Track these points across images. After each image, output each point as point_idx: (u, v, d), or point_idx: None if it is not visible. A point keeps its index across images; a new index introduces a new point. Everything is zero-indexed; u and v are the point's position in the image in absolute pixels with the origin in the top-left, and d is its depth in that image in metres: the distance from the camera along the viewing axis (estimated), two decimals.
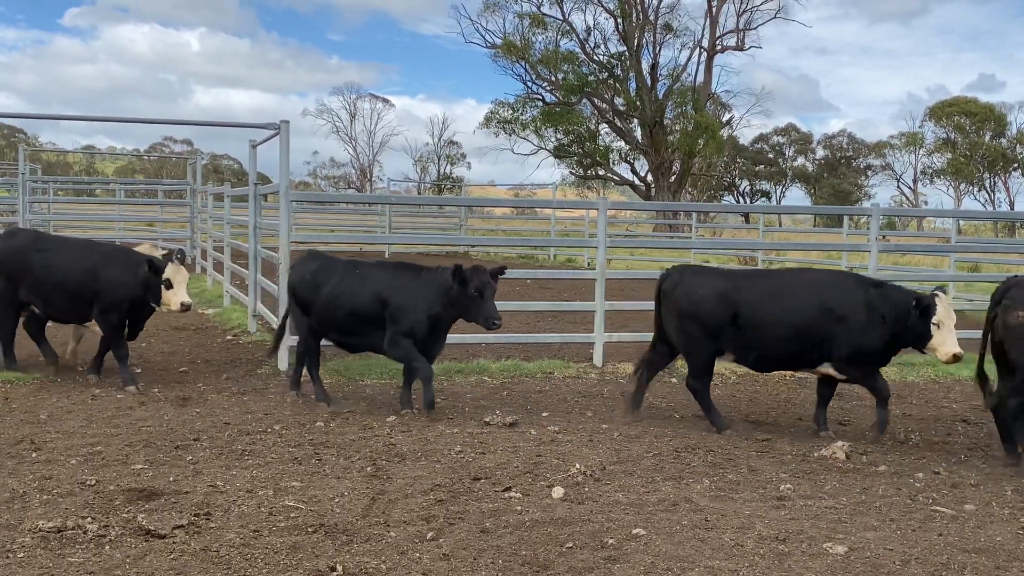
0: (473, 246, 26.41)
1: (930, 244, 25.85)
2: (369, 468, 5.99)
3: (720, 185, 63.75)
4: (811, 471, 6.33)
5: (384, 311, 7.55)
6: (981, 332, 7.06)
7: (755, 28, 46.17)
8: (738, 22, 45.60)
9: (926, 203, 62.03)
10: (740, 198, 66.13)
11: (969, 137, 57.64)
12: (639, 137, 45.41)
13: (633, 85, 45.01)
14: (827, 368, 7.30)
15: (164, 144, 75.51)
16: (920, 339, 7.04)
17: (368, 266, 8.06)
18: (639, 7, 44.46)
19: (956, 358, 6.96)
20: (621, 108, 45.71)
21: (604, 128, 46.97)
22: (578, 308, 11.57)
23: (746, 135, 60.25)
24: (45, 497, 5.24)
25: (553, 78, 45.46)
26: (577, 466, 6.02)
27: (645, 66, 44.86)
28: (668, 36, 45.38)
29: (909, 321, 7.00)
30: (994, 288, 7.10)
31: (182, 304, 8.14)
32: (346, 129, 71.69)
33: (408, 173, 69.30)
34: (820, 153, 67.33)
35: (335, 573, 4.28)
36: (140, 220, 27.22)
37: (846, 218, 23.96)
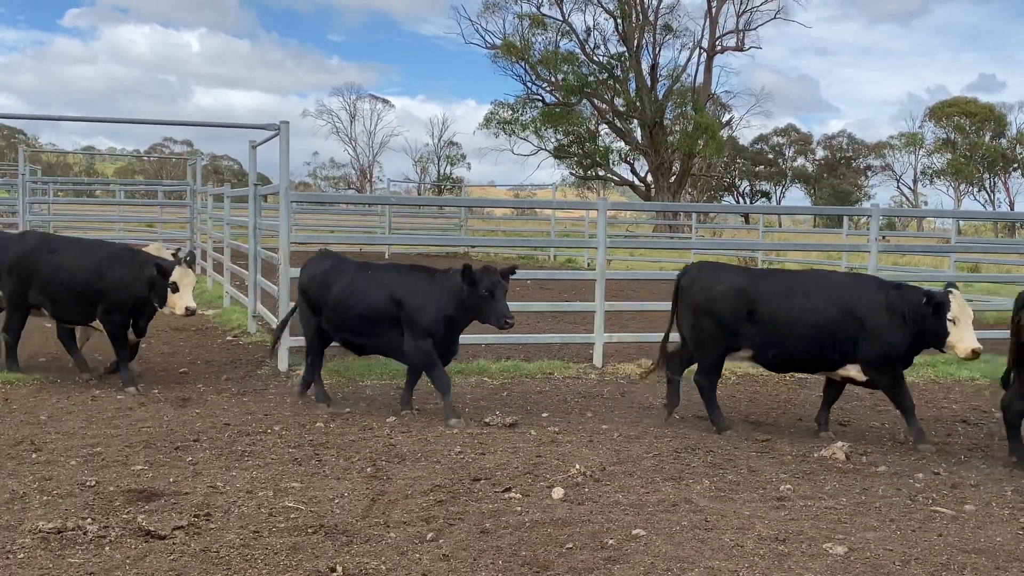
0: (473, 247, 26.41)
1: (930, 244, 25.88)
2: (369, 469, 5.99)
3: (720, 185, 63.78)
4: (811, 471, 6.33)
5: (399, 312, 7.46)
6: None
7: (755, 28, 46.30)
8: (738, 23, 45.70)
9: (926, 203, 62.06)
10: (740, 198, 66.13)
11: (969, 137, 57.66)
12: (639, 138, 45.44)
13: (633, 86, 45.07)
14: (850, 370, 7.21)
15: (164, 145, 75.60)
16: (938, 337, 6.96)
17: (381, 267, 7.98)
18: (639, 8, 44.50)
19: (975, 354, 6.87)
20: (621, 109, 45.74)
21: (604, 129, 47.05)
22: (578, 309, 11.57)
23: (746, 136, 60.34)
24: (45, 498, 5.24)
25: (553, 79, 45.49)
26: (577, 467, 6.02)
27: (645, 67, 44.92)
28: (668, 37, 45.49)
29: (925, 320, 6.93)
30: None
31: (187, 308, 8.07)
32: (346, 130, 71.78)
33: (408, 174, 69.39)
34: (820, 153, 67.39)
35: (335, 574, 4.28)
36: (140, 221, 27.22)
37: (846, 218, 23.98)
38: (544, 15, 45.18)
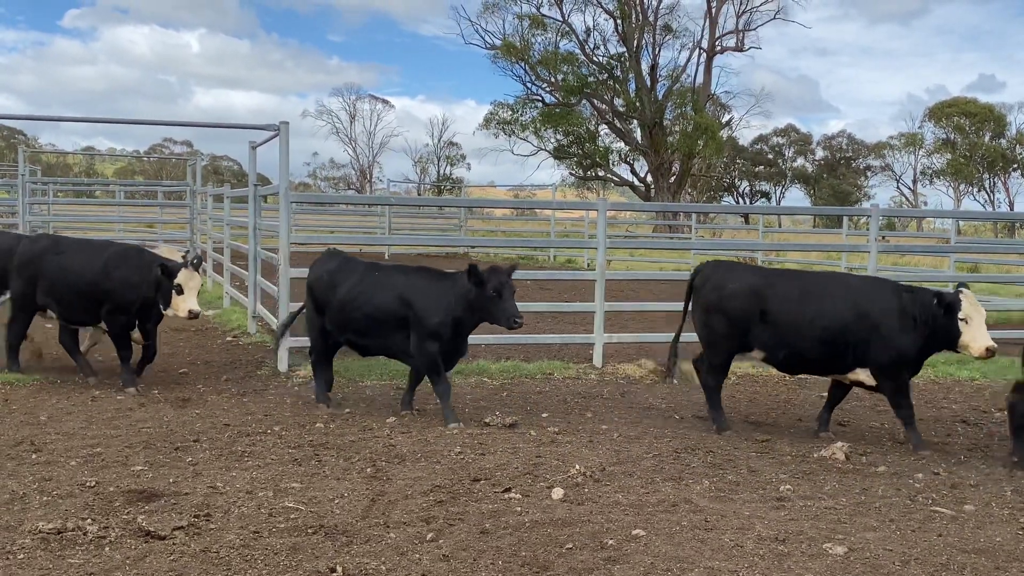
0: (473, 247, 26.41)
1: (930, 245, 25.90)
2: (369, 469, 5.99)
3: (720, 186, 63.77)
4: (811, 472, 6.33)
5: (406, 314, 7.41)
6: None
7: (754, 29, 46.27)
8: (737, 23, 45.69)
9: (925, 204, 62.08)
10: (740, 199, 66.13)
11: (969, 138, 57.67)
12: (639, 138, 45.45)
13: (633, 86, 45.07)
14: (860, 375, 7.17)
15: (164, 145, 75.65)
16: (951, 338, 6.90)
17: (389, 268, 7.93)
18: (638, 8, 44.51)
19: (990, 352, 6.80)
20: (621, 109, 45.74)
21: (604, 129, 47.06)
22: (578, 309, 11.58)
23: (746, 136, 60.33)
24: (45, 498, 5.24)
25: (553, 79, 45.49)
26: (577, 467, 6.02)
27: (645, 67, 44.92)
28: (667, 37, 45.49)
29: (937, 321, 6.88)
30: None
31: (190, 312, 8.01)
32: (346, 130, 71.80)
33: (408, 174, 69.44)
34: (820, 154, 67.38)
35: (335, 574, 4.28)
36: (140, 221, 27.23)
37: (845, 219, 23.98)
38: (544, 15, 45.23)
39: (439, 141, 71.13)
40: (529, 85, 46.32)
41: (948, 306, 6.84)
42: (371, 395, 8.48)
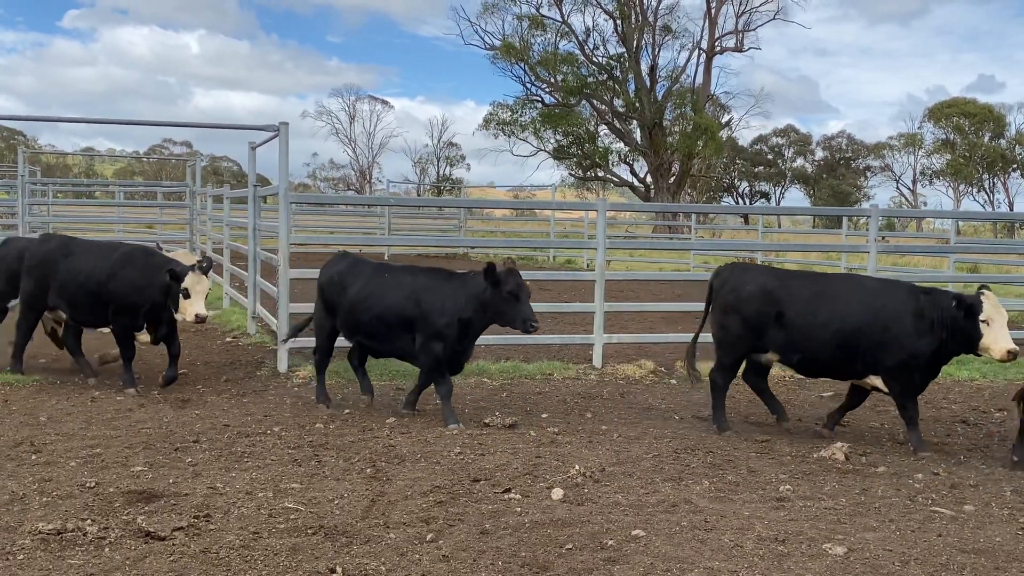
0: (472, 247, 26.42)
1: (929, 245, 25.89)
2: (369, 470, 5.99)
3: (719, 186, 63.77)
4: (810, 472, 6.33)
5: (414, 313, 7.36)
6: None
7: (754, 29, 46.26)
8: (737, 23, 45.67)
9: (925, 204, 62.12)
10: (739, 199, 66.15)
11: (968, 138, 57.69)
12: (638, 138, 45.45)
13: (632, 86, 45.07)
14: (875, 380, 7.11)
15: (163, 146, 75.70)
16: (971, 341, 6.80)
17: (398, 268, 7.88)
18: (638, 9, 44.51)
19: (1012, 354, 6.68)
20: (620, 109, 45.75)
21: (603, 129, 47.04)
22: (577, 309, 11.57)
23: (745, 136, 60.35)
24: (45, 499, 5.24)
25: (552, 80, 45.48)
26: (576, 467, 6.02)
27: (644, 67, 44.92)
28: (667, 37, 45.48)
29: (956, 324, 6.78)
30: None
31: (196, 316, 7.95)
32: (345, 131, 71.84)
33: (407, 175, 69.49)
34: (819, 154, 67.40)
35: (335, 575, 4.28)
36: (139, 222, 27.23)
37: (845, 219, 23.98)
38: (543, 16, 45.20)
39: (438, 142, 71.19)
40: (529, 86, 46.34)
41: (969, 308, 6.73)
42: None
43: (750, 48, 46.65)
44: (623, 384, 9.52)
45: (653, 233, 33.59)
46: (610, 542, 4.76)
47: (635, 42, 44.38)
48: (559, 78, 45.13)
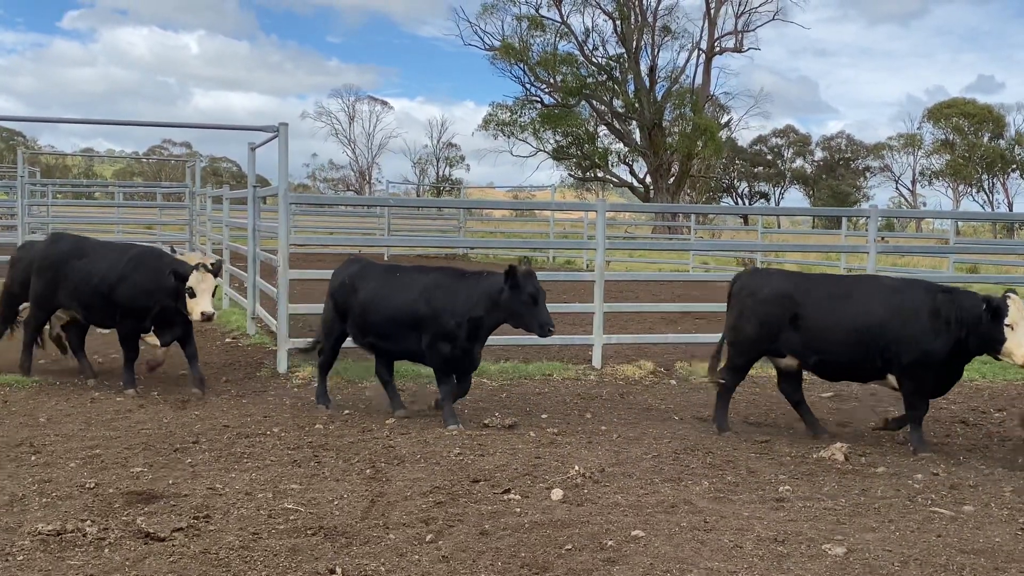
0: (472, 248, 26.42)
1: (929, 245, 25.91)
2: (368, 470, 6.00)
3: (719, 187, 63.84)
4: (810, 472, 6.33)
5: (424, 311, 7.30)
6: None
7: (753, 30, 46.36)
8: (736, 24, 45.75)
9: (924, 204, 62.21)
10: (739, 200, 66.20)
11: (967, 138, 57.77)
12: (638, 139, 45.47)
13: (632, 87, 45.11)
14: (893, 380, 7.06)
15: (163, 147, 75.71)
16: (993, 343, 6.69)
17: (409, 269, 7.84)
18: (637, 9, 44.55)
19: None
20: (620, 110, 45.79)
21: (603, 130, 47.08)
22: (577, 310, 11.57)
23: (745, 137, 60.44)
24: (44, 500, 5.24)
25: (552, 80, 45.51)
26: (576, 468, 6.02)
27: (644, 68, 44.96)
28: (666, 38, 45.55)
29: (980, 325, 6.68)
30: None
31: (202, 314, 7.89)
32: (345, 132, 71.91)
33: (407, 175, 69.58)
34: (819, 155, 67.52)
35: (334, 575, 4.28)
36: (139, 223, 27.24)
37: (845, 219, 23.99)
38: (543, 17, 45.25)
39: (438, 142, 71.31)
40: (528, 86, 46.40)
41: (995, 310, 6.63)
42: (370, 396, 8.48)
43: (749, 48, 46.80)
44: (622, 385, 9.52)
45: (652, 234, 33.61)
46: (610, 543, 4.76)
47: (634, 42, 44.42)
48: (558, 79, 45.17)
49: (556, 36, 45.32)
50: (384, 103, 74.28)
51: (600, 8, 44.71)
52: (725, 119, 50.23)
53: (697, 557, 4.60)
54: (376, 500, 5.38)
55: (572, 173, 49.79)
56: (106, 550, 4.51)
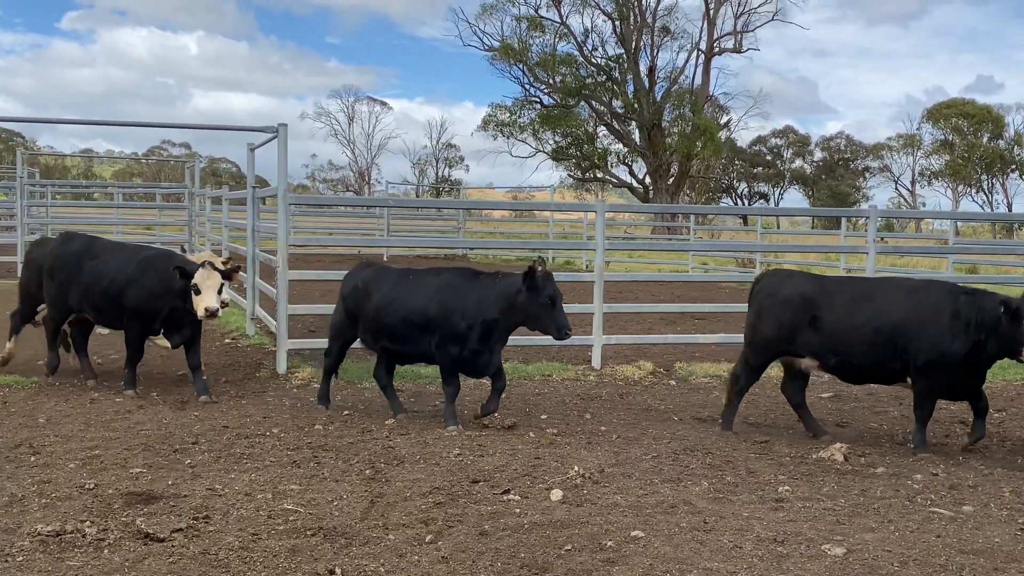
0: (472, 249, 26.42)
1: (928, 246, 25.93)
2: (368, 471, 6.00)
3: (718, 187, 63.86)
4: (809, 473, 6.33)
5: (435, 313, 7.23)
6: None
7: (752, 30, 46.41)
8: (735, 24, 45.79)
9: (924, 205, 62.23)
10: (738, 200, 66.22)
11: (967, 139, 57.79)
12: (637, 139, 45.49)
13: (631, 87, 45.12)
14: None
15: (162, 147, 75.64)
16: (1013, 345, 6.63)
17: (422, 271, 7.74)
18: (637, 10, 44.57)
19: None
20: (619, 110, 45.81)
21: (602, 130, 47.11)
22: (576, 310, 11.54)
23: (744, 137, 60.45)
24: (44, 501, 5.24)
25: (551, 81, 45.53)
26: (576, 468, 6.02)
27: (643, 68, 44.99)
28: (666, 39, 45.59)
29: (999, 327, 6.62)
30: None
31: (206, 310, 7.81)
32: (344, 132, 71.90)
33: (406, 176, 69.62)
34: (818, 155, 67.51)
35: None
36: (138, 224, 27.24)
37: (844, 220, 23.99)
38: (542, 17, 45.27)
39: (437, 143, 71.31)
40: (527, 87, 46.44)
41: (1015, 312, 6.56)
42: (370, 397, 8.48)
43: (749, 49, 46.85)
44: (622, 385, 9.52)
45: (652, 234, 33.63)
46: (609, 543, 4.76)
47: (634, 43, 44.44)
48: (558, 79, 45.20)
49: (555, 37, 45.40)
50: (383, 104, 74.35)
51: (599, 9, 44.79)
52: (724, 120, 50.28)
53: (696, 557, 4.60)
54: (376, 501, 5.38)
55: (571, 174, 49.83)
56: (105, 551, 4.51)
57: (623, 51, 44.92)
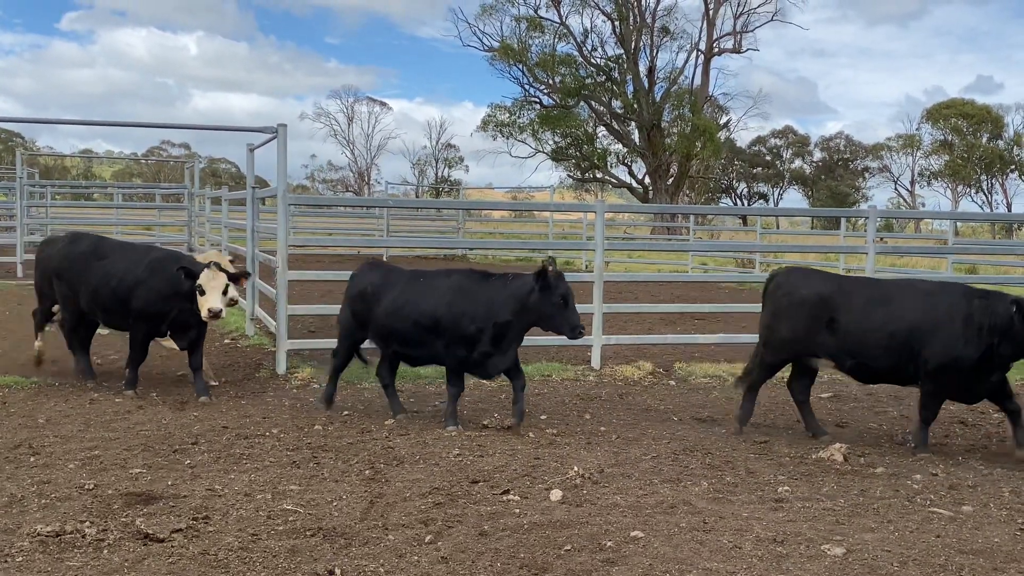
0: (471, 249, 26.42)
1: (927, 246, 25.94)
2: (367, 471, 6.00)
3: (717, 187, 63.88)
4: (809, 473, 6.33)
5: (445, 315, 7.17)
6: None
7: (752, 31, 46.40)
8: (735, 25, 45.78)
9: (923, 205, 62.25)
10: (737, 200, 66.23)
11: (966, 139, 57.82)
12: (637, 140, 45.50)
13: (631, 88, 45.13)
14: None
15: (162, 148, 75.67)
16: None
17: (432, 273, 7.66)
18: (636, 10, 44.58)
19: None
20: (619, 111, 45.82)
21: (602, 131, 47.12)
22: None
23: (743, 138, 60.48)
24: (43, 501, 5.24)
25: (550, 81, 45.55)
26: (575, 469, 6.03)
27: (642, 69, 44.99)
28: (665, 39, 45.59)
29: (1012, 330, 6.59)
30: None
31: (210, 310, 7.75)
32: (344, 133, 71.92)
33: (406, 176, 69.62)
34: (817, 155, 67.54)
35: None
36: (138, 224, 27.23)
37: (843, 220, 24.00)
38: (542, 18, 45.28)
39: (437, 143, 71.34)
40: (527, 87, 46.46)
41: None
42: (369, 398, 8.48)
43: (748, 49, 46.84)
44: (621, 385, 9.52)
45: (651, 234, 33.64)
46: (609, 543, 4.76)
47: (633, 43, 44.45)
48: (557, 79, 45.21)
49: (555, 37, 45.41)
50: (383, 104, 74.38)
51: (599, 9, 44.79)
52: (724, 120, 50.27)
53: (696, 558, 4.60)
54: (375, 501, 5.38)
55: (571, 174, 49.82)
56: (105, 551, 4.51)
57: (622, 51, 44.94)
